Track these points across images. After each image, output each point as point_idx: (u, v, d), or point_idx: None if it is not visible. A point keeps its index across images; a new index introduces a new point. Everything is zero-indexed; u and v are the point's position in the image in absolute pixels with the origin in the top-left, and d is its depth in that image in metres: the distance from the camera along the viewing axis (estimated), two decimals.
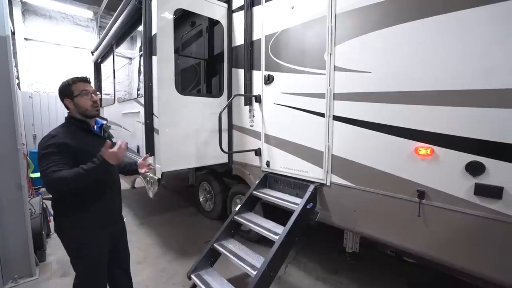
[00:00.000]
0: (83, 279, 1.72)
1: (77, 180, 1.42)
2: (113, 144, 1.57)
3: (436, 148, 1.84)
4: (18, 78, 6.79)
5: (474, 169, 1.68)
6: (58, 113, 7.15)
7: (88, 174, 1.44)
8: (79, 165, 1.46)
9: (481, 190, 1.67)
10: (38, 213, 3.25)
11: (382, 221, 2.19)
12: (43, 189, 5.75)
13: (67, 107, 1.69)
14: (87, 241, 1.65)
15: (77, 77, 1.67)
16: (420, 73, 1.90)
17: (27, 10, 7.15)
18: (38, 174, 5.74)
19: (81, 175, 1.42)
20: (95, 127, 1.75)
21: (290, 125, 2.86)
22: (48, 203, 4.50)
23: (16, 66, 6.68)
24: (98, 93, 1.74)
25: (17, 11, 6.85)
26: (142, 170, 1.99)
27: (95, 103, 1.68)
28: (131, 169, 2.01)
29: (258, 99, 3.18)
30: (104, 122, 1.82)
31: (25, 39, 7.09)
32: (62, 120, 1.72)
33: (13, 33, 6.71)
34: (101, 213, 1.70)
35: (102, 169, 1.47)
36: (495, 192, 1.62)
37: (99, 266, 1.73)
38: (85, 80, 1.69)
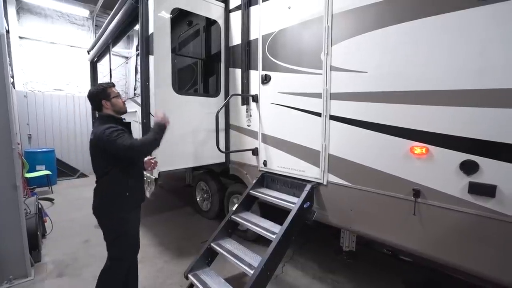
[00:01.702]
0: (126, 251, 1.97)
1: (152, 144, 1.84)
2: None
3: (431, 147, 1.86)
4: (12, 77, 6.71)
5: (468, 168, 1.71)
6: (54, 112, 7.09)
7: (159, 137, 1.88)
8: None
9: (475, 189, 1.70)
10: (34, 213, 3.22)
11: (378, 219, 2.21)
12: (38, 189, 5.70)
13: (99, 107, 1.98)
14: (132, 218, 1.97)
15: (109, 83, 2.04)
16: (416, 73, 1.92)
17: (21, 8, 7.05)
18: (32, 174, 5.70)
19: (155, 139, 1.85)
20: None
21: (287, 124, 2.87)
22: (44, 203, 4.47)
23: (10, 65, 6.60)
24: None
25: (11, 9, 6.75)
26: (149, 168, 2.27)
27: (124, 103, 2.05)
28: None
29: (255, 98, 3.18)
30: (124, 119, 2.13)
31: (20, 37, 7.00)
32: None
33: (7, 32, 6.62)
34: (140, 193, 2.04)
35: (164, 131, 1.92)
36: (488, 191, 1.65)
37: (137, 239, 2.04)
38: (114, 85, 2.06)
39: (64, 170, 7.28)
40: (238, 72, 3.40)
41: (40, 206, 3.66)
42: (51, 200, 5.29)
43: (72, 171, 7.44)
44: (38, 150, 6.50)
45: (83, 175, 7.57)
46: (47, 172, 6.01)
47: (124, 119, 2.10)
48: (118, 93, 2.02)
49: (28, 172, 5.68)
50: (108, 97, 1.96)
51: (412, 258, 2.70)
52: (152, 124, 2.09)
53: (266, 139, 3.11)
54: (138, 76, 3.31)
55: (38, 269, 2.89)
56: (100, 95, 1.95)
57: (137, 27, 3.14)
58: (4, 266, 2.61)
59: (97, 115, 2.05)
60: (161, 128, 1.93)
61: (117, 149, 1.75)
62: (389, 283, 2.71)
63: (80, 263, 3.05)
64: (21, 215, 2.68)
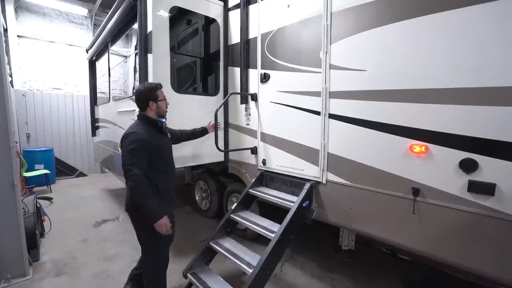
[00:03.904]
0: (159, 249, 2.03)
1: (141, 199, 1.81)
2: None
3: (430, 145, 1.86)
4: (11, 76, 6.67)
5: (468, 166, 1.70)
6: (52, 111, 7.07)
7: (146, 209, 1.82)
8: (152, 154, 1.90)
9: (474, 187, 1.69)
10: (32, 212, 3.21)
11: (377, 218, 2.20)
12: (36, 188, 5.68)
13: (144, 107, 2.03)
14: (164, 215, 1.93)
15: (158, 84, 2.08)
16: (415, 72, 1.91)
17: (20, 6, 7.01)
18: (31, 173, 5.69)
19: (144, 202, 1.81)
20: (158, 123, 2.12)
21: (286, 123, 2.86)
22: (43, 202, 4.45)
23: (9, 63, 6.57)
24: None
25: (9, 8, 6.71)
26: (210, 128, 2.73)
27: (167, 107, 2.12)
28: (196, 136, 2.74)
29: (254, 97, 3.18)
30: (164, 120, 2.15)
31: (18, 36, 6.95)
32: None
33: (5, 30, 6.59)
34: (166, 196, 2.05)
35: (152, 218, 1.83)
36: (487, 189, 1.65)
37: (168, 237, 2.01)
38: (162, 87, 2.10)
39: (63, 169, 7.25)
40: (237, 70, 3.39)
41: (38, 205, 3.65)
42: (49, 199, 5.28)
43: (71, 170, 7.41)
44: (37, 149, 6.48)
45: (82, 174, 7.55)
46: (46, 171, 5.99)
47: (165, 120, 2.16)
48: (165, 96, 2.10)
49: (26, 171, 5.66)
50: (156, 99, 2.02)
51: (411, 257, 2.70)
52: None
53: (265, 138, 3.10)
54: (137, 75, 3.29)
55: (36, 268, 2.89)
56: (148, 95, 2.01)
57: (136, 25, 3.12)
58: (2, 265, 2.60)
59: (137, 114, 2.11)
60: (152, 218, 1.83)
61: (127, 164, 1.82)
62: (388, 282, 2.71)
63: (79, 262, 3.04)
64: (19, 214, 2.67)
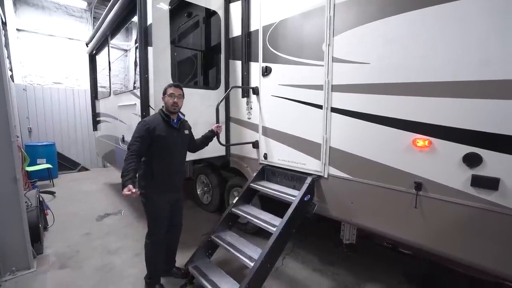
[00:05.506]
0: (151, 225, 2.37)
1: (122, 170, 2.10)
2: (185, 133, 2.47)
3: (434, 139, 1.84)
4: (11, 70, 6.64)
5: (471, 160, 1.69)
6: (53, 106, 7.06)
7: (123, 177, 2.09)
8: (153, 142, 2.20)
9: (478, 182, 1.68)
10: (35, 206, 3.23)
11: (379, 212, 2.20)
12: (39, 183, 5.71)
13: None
14: (158, 202, 2.30)
15: (172, 83, 2.36)
16: (418, 64, 1.88)
17: (18, 0, 6.95)
18: (33, 168, 5.72)
19: (122, 172, 2.09)
20: (175, 120, 2.34)
21: (287, 117, 2.84)
22: (45, 196, 4.48)
23: (8, 57, 6.54)
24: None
25: (8, 1, 6.63)
26: (218, 129, 2.75)
27: (174, 104, 2.28)
28: (209, 141, 2.74)
29: (256, 91, 3.15)
30: (182, 117, 2.40)
31: (18, 30, 6.89)
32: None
33: (4, 24, 6.54)
34: (162, 183, 2.30)
35: (123, 183, 2.09)
36: (491, 184, 1.63)
37: (160, 218, 2.35)
38: (176, 85, 2.34)
39: (65, 164, 7.29)
40: (238, 64, 3.36)
41: (41, 199, 3.67)
42: (52, 193, 5.31)
43: (73, 165, 7.45)
44: (39, 144, 6.49)
45: (84, 169, 7.59)
46: (48, 165, 6.02)
47: (184, 116, 2.40)
48: (172, 93, 2.28)
49: (29, 165, 5.69)
50: (164, 94, 2.31)
51: (412, 251, 2.70)
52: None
53: (267, 132, 3.09)
54: (138, 68, 3.26)
55: (40, 261, 2.92)
56: (163, 90, 2.33)
57: (136, 18, 3.08)
58: (6, 258, 2.63)
59: None
60: (123, 181, 2.09)
61: (131, 137, 2.22)
62: (389, 275, 2.72)
63: (82, 256, 3.08)
64: (22, 208, 2.69)
